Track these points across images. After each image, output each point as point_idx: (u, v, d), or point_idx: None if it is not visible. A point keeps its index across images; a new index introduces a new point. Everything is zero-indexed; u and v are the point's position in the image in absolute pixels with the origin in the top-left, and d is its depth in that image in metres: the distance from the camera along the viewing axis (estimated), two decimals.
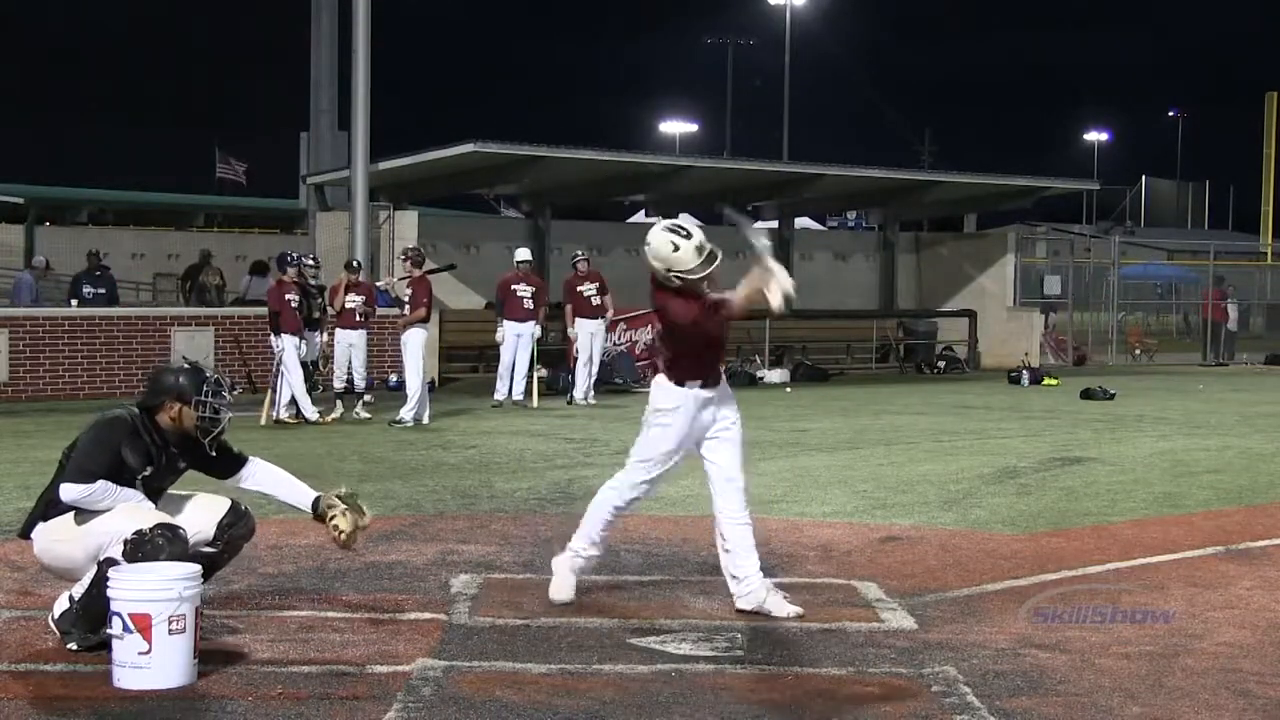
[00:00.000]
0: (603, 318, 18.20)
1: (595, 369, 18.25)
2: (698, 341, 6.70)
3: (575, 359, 18.13)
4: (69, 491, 5.81)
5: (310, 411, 15.38)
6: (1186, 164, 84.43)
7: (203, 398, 5.98)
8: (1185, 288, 42.76)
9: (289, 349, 15.32)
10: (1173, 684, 5.63)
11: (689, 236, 6.57)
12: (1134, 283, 39.23)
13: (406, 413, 15.15)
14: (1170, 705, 5.38)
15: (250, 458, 6.37)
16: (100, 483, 5.80)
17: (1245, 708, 5.37)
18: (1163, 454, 13.04)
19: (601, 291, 18.09)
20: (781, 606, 6.61)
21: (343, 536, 6.21)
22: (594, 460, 12.05)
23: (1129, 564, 7.97)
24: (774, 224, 28.90)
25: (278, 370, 15.45)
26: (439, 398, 19.03)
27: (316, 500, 6.28)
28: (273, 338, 15.56)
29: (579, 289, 18.04)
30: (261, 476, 6.35)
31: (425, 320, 15.71)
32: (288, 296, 15.49)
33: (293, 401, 15.50)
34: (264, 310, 16.46)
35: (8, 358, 17.42)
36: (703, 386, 6.71)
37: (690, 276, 6.55)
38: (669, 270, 6.57)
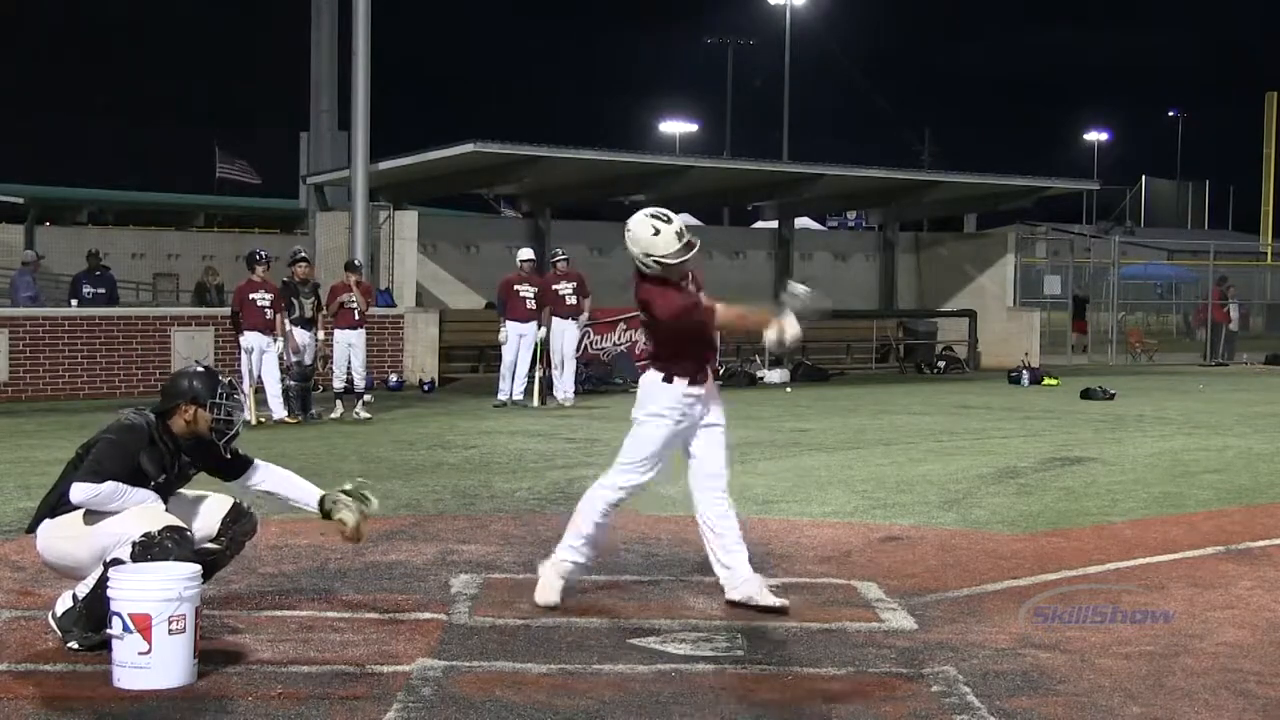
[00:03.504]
0: (576, 318, 18.08)
1: (570, 368, 18.16)
2: (682, 336, 6.70)
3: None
4: (79, 492, 5.81)
5: (277, 409, 15.37)
6: (1186, 164, 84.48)
7: (217, 400, 6.07)
8: (1185, 288, 42.77)
9: (258, 348, 15.25)
10: (1173, 684, 5.63)
11: (669, 221, 6.59)
12: (1134, 283, 39.23)
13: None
14: (1170, 705, 5.38)
15: (256, 460, 6.41)
16: (109, 483, 5.81)
17: (1245, 708, 5.37)
18: (1163, 454, 13.04)
19: (580, 291, 18.00)
20: (768, 597, 6.66)
21: (348, 530, 6.31)
22: (594, 460, 12.03)
23: (1129, 564, 7.96)
24: (774, 224, 28.99)
25: (258, 368, 15.36)
26: (438, 397, 19.08)
27: (322, 499, 6.34)
28: (240, 337, 15.47)
29: (554, 287, 18.01)
30: (269, 477, 6.41)
31: None
32: (252, 295, 15.41)
33: (288, 401, 15.48)
34: None
35: (8, 358, 17.42)
36: (690, 384, 6.70)
37: (669, 262, 6.55)
38: (648, 255, 6.57)
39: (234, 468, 6.35)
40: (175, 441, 6.06)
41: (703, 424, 6.76)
